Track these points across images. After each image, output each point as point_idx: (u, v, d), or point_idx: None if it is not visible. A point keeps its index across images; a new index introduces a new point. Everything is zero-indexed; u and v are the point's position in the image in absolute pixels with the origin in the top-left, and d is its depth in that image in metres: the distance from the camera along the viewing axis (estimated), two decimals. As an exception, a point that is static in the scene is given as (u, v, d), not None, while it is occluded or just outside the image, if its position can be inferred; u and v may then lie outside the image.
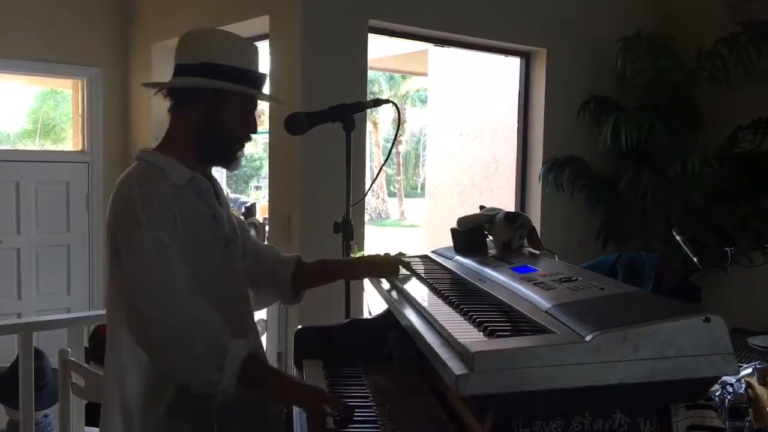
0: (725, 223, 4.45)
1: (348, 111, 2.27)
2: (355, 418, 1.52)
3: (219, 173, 7.69)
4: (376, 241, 12.70)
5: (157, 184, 1.59)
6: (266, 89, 1.80)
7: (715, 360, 1.13)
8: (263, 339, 4.98)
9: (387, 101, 2.47)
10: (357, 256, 2.41)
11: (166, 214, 1.56)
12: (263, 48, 4.16)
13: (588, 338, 1.11)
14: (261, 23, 3.93)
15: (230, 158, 1.74)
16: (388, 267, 1.96)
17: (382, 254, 2.05)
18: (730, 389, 2.63)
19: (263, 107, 4.64)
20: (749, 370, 2.69)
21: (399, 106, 2.58)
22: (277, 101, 1.86)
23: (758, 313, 3.47)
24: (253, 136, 1.78)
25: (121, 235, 1.57)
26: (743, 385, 2.64)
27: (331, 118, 2.27)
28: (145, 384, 1.59)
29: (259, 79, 1.73)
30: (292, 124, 2.21)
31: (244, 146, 1.76)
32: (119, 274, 1.58)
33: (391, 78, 21.58)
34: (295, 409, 1.66)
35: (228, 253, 1.72)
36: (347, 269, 2.10)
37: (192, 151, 1.69)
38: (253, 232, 2.15)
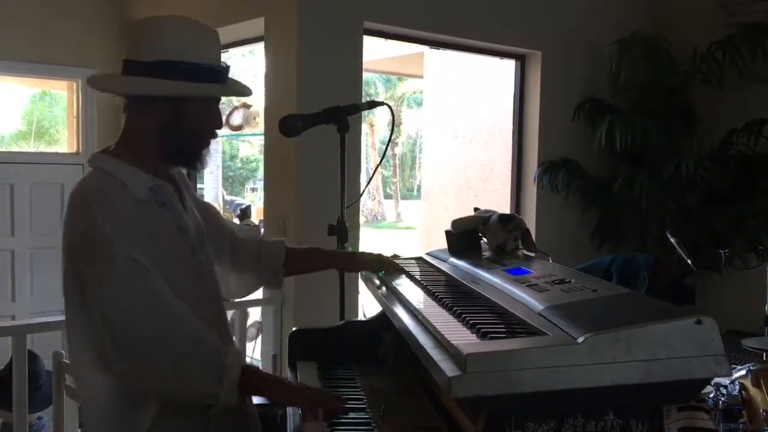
0: (719, 225, 4.47)
1: (342, 113, 2.27)
2: (349, 420, 1.53)
3: (213, 176, 7.68)
4: (371, 243, 12.69)
5: (116, 198, 1.46)
6: (238, 77, 1.66)
7: (706, 362, 1.13)
8: (258, 341, 4.97)
9: (381, 103, 2.46)
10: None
11: (131, 229, 1.43)
12: (258, 50, 4.16)
13: (580, 340, 1.11)
14: (256, 25, 3.93)
15: (195, 159, 1.62)
16: (383, 264, 1.96)
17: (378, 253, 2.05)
18: (724, 391, 2.64)
19: (259, 109, 4.64)
20: (743, 372, 2.70)
21: (393, 109, 2.57)
22: (244, 94, 1.70)
23: (752, 315, 3.47)
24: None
25: (86, 263, 1.42)
26: (737, 387, 2.65)
27: (325, 120, 2.27)
28: (126, 395, 1.49)
29: (221, 72, 1.56)
30: (285, 126, 2.21)
31: (209, 145, 1.63)
32: (84, 303, 1.43)
33: (387, 80, 21.57)
34: (289, 410, 1.66)
35: (196, 261, 1.60)
36: (342, 260, 2.08)
37: (152, 155, 1.56)
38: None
